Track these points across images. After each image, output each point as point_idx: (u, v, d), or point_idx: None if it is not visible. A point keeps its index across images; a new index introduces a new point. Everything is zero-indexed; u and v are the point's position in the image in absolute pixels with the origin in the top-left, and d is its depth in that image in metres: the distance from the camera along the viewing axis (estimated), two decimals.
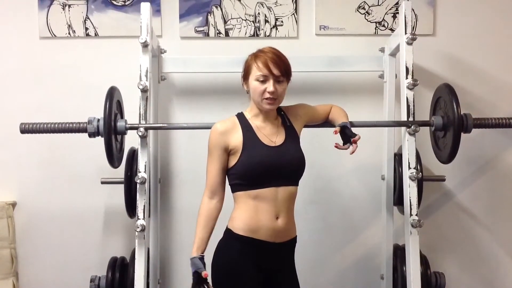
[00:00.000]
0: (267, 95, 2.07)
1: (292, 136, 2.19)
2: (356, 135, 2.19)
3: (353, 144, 2.17)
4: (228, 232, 2.13)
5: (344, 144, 2.22)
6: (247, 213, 2.08)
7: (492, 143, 3.15)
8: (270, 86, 2.06)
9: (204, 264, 2.08)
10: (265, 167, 2.07)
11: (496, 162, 3.17)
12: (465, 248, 3.21)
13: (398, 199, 2.90)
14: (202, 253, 2.10)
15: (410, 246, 2.45)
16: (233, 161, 2.11)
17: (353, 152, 2.16)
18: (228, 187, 2.18)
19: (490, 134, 3.11)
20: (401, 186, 2.70)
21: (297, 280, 2.23)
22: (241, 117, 2.19)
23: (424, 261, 2.77)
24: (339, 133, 2.22)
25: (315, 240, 3.17)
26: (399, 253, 2.95)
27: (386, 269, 3.01)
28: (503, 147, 3.16)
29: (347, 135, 2.22)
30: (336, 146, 2.20)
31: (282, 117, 2.23)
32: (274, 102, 2.09)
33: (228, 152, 2.12)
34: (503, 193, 3.19)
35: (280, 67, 2.06)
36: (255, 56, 2.12)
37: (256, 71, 2.08)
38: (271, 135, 2.14)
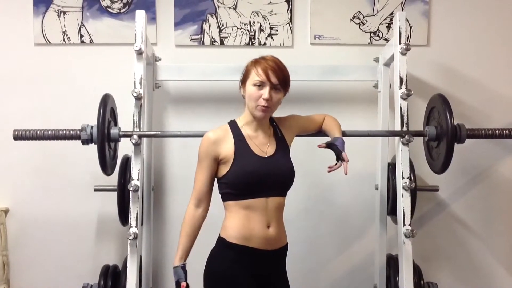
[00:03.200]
0: (262, 102, 2.06)
1: (282, 147, 2.19)
2: (342, 152, 2.18)
3: (343, 162, 2.16)
4: (221, 240, 2.12)
5: (337, 160, 2.21)
6: (239, 222, 2.07)
7: (486, 153, 3.16)
8: (266, 92, 2.05)
9: (185, 272, 2.10)
10: (256, 177, 2.07)
11: (490, 172, 3.18)
12: (459, 258, 3.21)
13: (391, 209, 2.90)
14: (184, 261, 2.12)
15: (403, 256, 2.45)
16: (224, 170, 2.11)
17: (346, 172, 2.14)
18: (217, 196, 2.17)
19: (484, 144, 3.11)
20: (394, 195, 2.70)
21: (289, 286, 2.22)
22: (233, 125, 2.18)
23: (417, 271, 2.77)
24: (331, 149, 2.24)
25: (309, 249, 3.16)
26: (392, 263, 2.95)
27: (379, 279, 3.01)
28: (496, 158, 3.17)
29: (336, 153, 2.22)
30: (329, 170, 2.18)
31: (274, 127, 2.23)
32: (267, 110, 2.08)
33: (218, 161, 2.12)
34: (496, 203, 3.19)
35: (278, 76, 2.06)
36: (256, 61, 2.12)
37: (255, 76, 2.08)
38: (262, 145, 2.14)
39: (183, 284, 2.06)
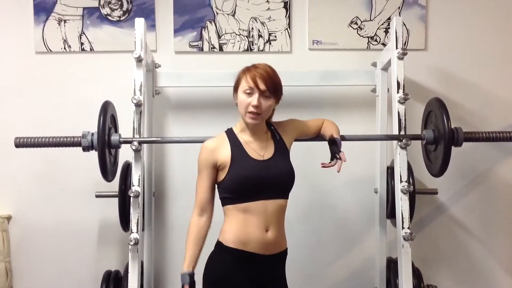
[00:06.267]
0: (251, 109, 2.09)
1: (281, 150, 2.21)
2: (341, 151, 2.21)
3: (339, 160, 2.19)
4: (219, 245, 2.14)
5: (331, 159, 2.24)
6: (237, 226, 2.09)
7: (484, 156, 3.17)
8: (254, 99, 2.08)
9: (193, 282, 2.11)
10: (253, 180, 2.09)
11: (488, 175, 3.19)
12: (458, 261, 3.22)
13: (391, 212, 2.91)
14: (193, 269, 2.13)
15: (402, 259, 2.46)
16: (222, 175, 2.13)
17: (339, 170, 2.17)
18: (217, 200, 2.19)
19: (482, 147, 3.13)
20: (393, 199, 2.71)
21: None
22: (230, 132, 2.21)
23: (417, 274, 2.78)
24: (329, 148, 2.28)
25: (309, 253, 3.18)
26: (392, 266, 2.96)
27: (379, 282, 3.02)
28: (495, 160, 3.18)
29: (333, 151, 2.25)
30: (322, 166, 2.22)
31: (272, 131, 2.25)
32: (257, 117, 2.10)
33: (217, 168, 2.14)
34: (495, 206, 3.20)
35: (267, 83, 2.08)
36: (246, 69, 2.15)
37: (244, 84, 2.11)
38: (259, 149, 2.16)
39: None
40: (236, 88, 2.18)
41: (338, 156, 2.20)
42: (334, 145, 2.26)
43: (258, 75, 2.09)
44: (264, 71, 2.11)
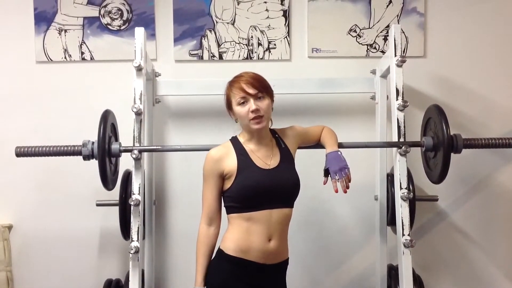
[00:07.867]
0: (251, 115, 2.09)
1: (287, 158, 2.22)
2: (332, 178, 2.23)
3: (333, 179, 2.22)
4: (219, 252, 2.15)
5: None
6: (239, 234, 2.10)
7: (484, 162, 3.18)
8: (251, 105, 2.09)
9: None
10: (259, 190, 2.09)
11: (489, 181, 3.19)
12: (459, 267, 3.21)
13: (391, 219, 2.91)
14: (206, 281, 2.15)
15: (403, 266, 2.46)
16: (227, 184, 2.13)
17: (337, 190, 2.21)
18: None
19: (482, 153, 3.13)
20: (394, 206, 2.71)
21: None
22: (235, 141, 2.21)
23: (418, 281, 2.78)
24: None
25: (309, 261, 3.18)
26: (393, 273, 2.96)
27: None
28: (495, 167, 3.18)
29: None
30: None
31: (277, 139, 2.26)
32: (261, 120, 2.11)
33: (223, 177, 2.15)
34: (495, 212, 3.20)
35: (254, 85, 2.10)
36: (230, 84, 2.17)
37: (235, 97, 2.12)
38: (265, 158, 2.16)
39: None
40: (229, 106, 2.19)
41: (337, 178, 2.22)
42: (327, 172, 2.27)
43: (244, 82, 2.11)
44: (248, 77, 2.13)
